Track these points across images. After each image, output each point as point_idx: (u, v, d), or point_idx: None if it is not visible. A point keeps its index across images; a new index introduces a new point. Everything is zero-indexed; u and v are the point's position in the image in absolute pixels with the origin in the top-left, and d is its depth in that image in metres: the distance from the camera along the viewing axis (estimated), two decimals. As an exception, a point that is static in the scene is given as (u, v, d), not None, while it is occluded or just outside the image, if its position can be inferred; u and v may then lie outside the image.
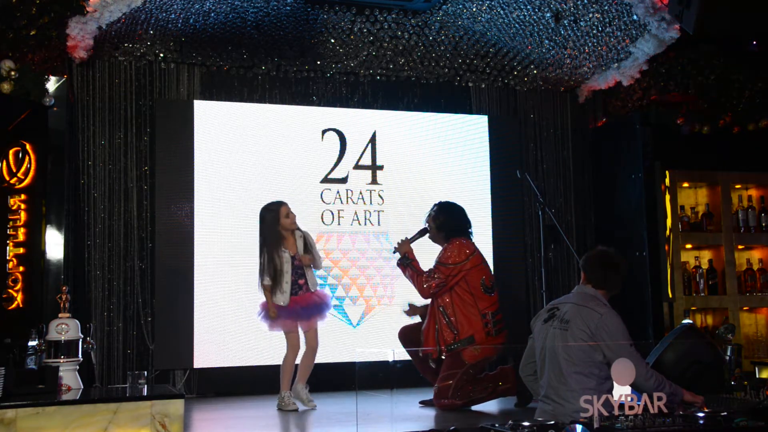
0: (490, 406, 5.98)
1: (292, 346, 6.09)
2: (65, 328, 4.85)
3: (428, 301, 6.24)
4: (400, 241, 6.32)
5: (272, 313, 6.00)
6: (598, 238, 8.19)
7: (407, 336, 6.46)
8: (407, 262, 6.21)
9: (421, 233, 6.37)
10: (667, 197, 7.67)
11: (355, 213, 7.72)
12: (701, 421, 3.73)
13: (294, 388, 6.03)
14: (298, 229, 6.23)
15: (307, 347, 6.12)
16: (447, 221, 6.27)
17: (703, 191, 8.03)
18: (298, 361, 6.10)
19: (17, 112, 6.27)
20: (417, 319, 6.50)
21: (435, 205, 6.41)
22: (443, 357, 6.01)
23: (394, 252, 6.35)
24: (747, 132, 7.81)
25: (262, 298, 6.03)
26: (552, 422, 3.69)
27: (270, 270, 6.03)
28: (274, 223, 6.12)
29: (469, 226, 6.36)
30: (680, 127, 7.71)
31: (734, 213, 7.93)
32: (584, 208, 8.40)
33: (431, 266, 6.12)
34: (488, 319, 6.00)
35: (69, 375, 4.81)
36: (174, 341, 7.04)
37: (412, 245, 6.32)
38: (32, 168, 6.33)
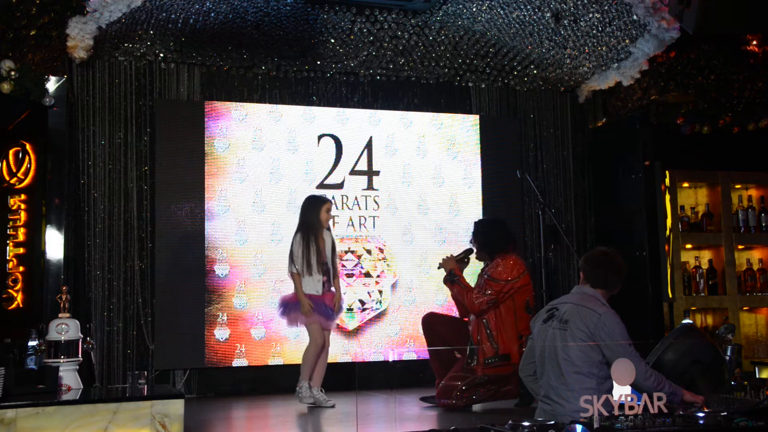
0: (491, 406, 5.98)
1: (315, 339, 6.06)
2: (65, 328, 4.84)
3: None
4: (444, 258, 6.29)
5: (306, 306, 6.01)
6: (598, 238, 8.22)
7: (431, 327, 6.40)
8: (455, 279, 6.16)
9: (467, 253, 6.36)
10: (667, 197, 7.67)
11: (350, 218, 7.72)
12: (701, 421, 3.73)
13: (310, 391, 6.05)
14: (329, 229, 6.30)
15: (325, 345, 6.15)
16: (487, 238, 6.22)
17: (703, 191, 8.03)
18: None
19: (17, 112, 6.28)
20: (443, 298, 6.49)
21: (474, 223, 6.42)
22: (474, 365, 5.96)
23: (439, 268, 6.30)
24: (747, 132, 7.81)
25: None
26: (552, 422, 3.69)
27: (303, 257, 6.07)
28: (316, 214, 6.19)
29: (513, 239, 6.33)
30: (680, 127, 7.72)
31: (734, 213, 7.93)
32: (584, 209, 8.41)
33: (482, 281, 6.07)
34: (523, 341, 5.92)
35: (69, 375, 4.81)
36: (174, 341, 7.05)
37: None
38: (32, 168, 6.34)
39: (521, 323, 5.96)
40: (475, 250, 6.32)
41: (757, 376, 5.77)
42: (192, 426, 4.49)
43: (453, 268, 6.21)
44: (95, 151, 7.02)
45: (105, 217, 7.00)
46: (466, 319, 6.26)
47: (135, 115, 7.19)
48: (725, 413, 3.82)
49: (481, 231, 6.30)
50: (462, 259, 6.34)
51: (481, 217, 7.76)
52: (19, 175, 6.30)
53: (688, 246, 7.82)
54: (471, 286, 6.10)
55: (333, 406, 5.96)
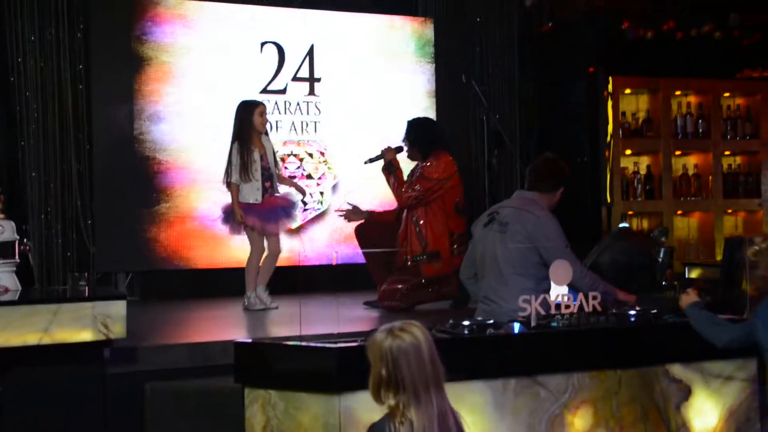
0: (431, 307, 6.11)
1: (257, 248, 6.06)
2: (1, 228, 4.77)
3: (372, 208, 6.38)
4: (386, 148, 6.35)
5: (239, 217, 5.95)
6: (541, 143, 8.27)
7: (365, 235, 6.52)
8: (393, 170, 6.25)
9: (398, 150, 6.37)
10: (609, 103, 7.77)
11: (293, 123, 7.68)
12: (632, 319, 3.89)
13: (256, 290, 6.10)
14: (266, 134, 6.22)
15: (270, 253, 6.11)
16: (421, 137, 6.26)
17: (644, 97, 8.15)
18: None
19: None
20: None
21: (408, 122, 6.43)
22: (408, 264, 6.11)
23: (377, 159, 6.38)
24: (690, 38, 7.88)
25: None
26: (491, 321, 3.80)
27: (239, 165, 5.98)
28: (248, 119, 6.06)
29: (446, 141, 6.43)
30: (625, 32, 7.74)
31: (673, 119, 8.08)
32: (528, 114, 8.43)
33: (413, 177, 6.18)
34: (454, 239, 6.09)
35: (6, 276, 4.73)
36: (116, 244, 7.00)
37: (375, 164, 6.43)
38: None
39: (452, 222, 6.11)
40: (406, 149, 6.36)
41: (687, 276, 5.96)
42: (135, 328, 4.51)
43: (392, 158, 6.29)
44: (25, 47, 6.76)
45: (39, 117, 6.80)
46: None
47: (67, 8, 6.90)
48: (655, 311, 3.98)
49: (415, 130, 6.33)
50: (396, 150, 6.39)
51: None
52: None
53: (628, 152, 7.97)
54: (404, 180, 6.22)
55: (276, 308, 6.03)
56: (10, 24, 6.71)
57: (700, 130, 8.16)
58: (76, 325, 4.13)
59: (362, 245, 6.53)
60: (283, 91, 7.64)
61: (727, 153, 8.36)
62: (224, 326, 5.69)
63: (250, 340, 4.02)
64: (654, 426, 3.76)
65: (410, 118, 6.54)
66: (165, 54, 7.26)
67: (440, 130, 6.47)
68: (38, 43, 6.82)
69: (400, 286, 6.05)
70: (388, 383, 2.58)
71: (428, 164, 6.14)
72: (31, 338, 4.02)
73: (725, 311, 4.24)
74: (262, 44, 7.60)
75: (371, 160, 6.49)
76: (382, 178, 6.40)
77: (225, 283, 7.07)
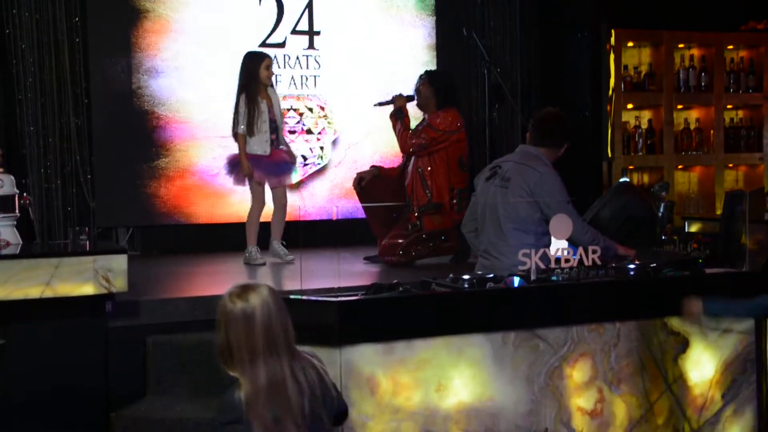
0: (431, 261, 6.15)
1: (258, 201, 6.09)
2: (0, 182, 4.78)
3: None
4: (398, 95, 6.38)
5: (246, 168, 5.96)
6: (543, 97, 8.23)
7: (365, 190, 6.53)
8: (401, 116, 6.30)
9: (409, 98, 6.40)
10: (612, 57, 7.73)
11: (292, 77, 7.65)
12: (632, 273, 3.92)
13: (270, 246, 6.13)
14: (272, 86, 6.21)
15: (277, 205, 6.13)
16: (440, 85, 6.31)
17: (647, 51, 8.11)
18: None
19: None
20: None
21: (425, 72, 6.47)
22: (416, 214, 6.15)
23: (387, 103, 6.42)
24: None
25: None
26: (491, 275, 3.82)
27: (246, 115, 5.96)
28: (255, 71, 6.03)
29: (458, 95, 6.49)
30: (628, -16, 7.69)
31: (676, 73, 8.05)
32: (530, 68, 8.38)
33: (420, 126, 6.25)
34: (455, 194, 6.12)
35: (7, 230, 4.74)
36: (116, 199, 7.02)
37: (382, 108, 6.51)
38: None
39: (454, 177, 6.15)
40: (417, 98, 6.37)
41: (687, 230, 5.99)
42: (136, 282, 4.55)
43: (402, 105, 6.32)
44: (23, 6, 6.66)
45: (35, 71, 6.73)
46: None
47: None
48: (654, 265, 4.01)
49: (438, 81, 6.35)
50: (406, 99, 6.42)
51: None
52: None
53: (630, 106, 7.95)
54: (410, 127, 6.27)
55: (292, 260, 6.03)
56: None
57: (703, 84, 8.14)
58: (77, 279, 4.13)
59: (362, 200, 6.55)
60: (282, 45, 7.60)
61: (729, 107, 8.33)
62: (225, 280, 5.68)
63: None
64: (651, 378, 3.80)
65: (430, 69, 6.62)
66: (162, 6, 7.22)
67: (454, 86, 6.50)
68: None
69: (400, 241, 6.09)
70: (224, 349, 2.56)
71: (437, 117, 6.18)
72: (33, 292, 4.01)
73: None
74: (262, -3, 7.56)
75: (381, 104, 6.54)
76: (383, 132, 6.42)
77: (225, 238, 7.09)
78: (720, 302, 3.41)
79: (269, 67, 6.11)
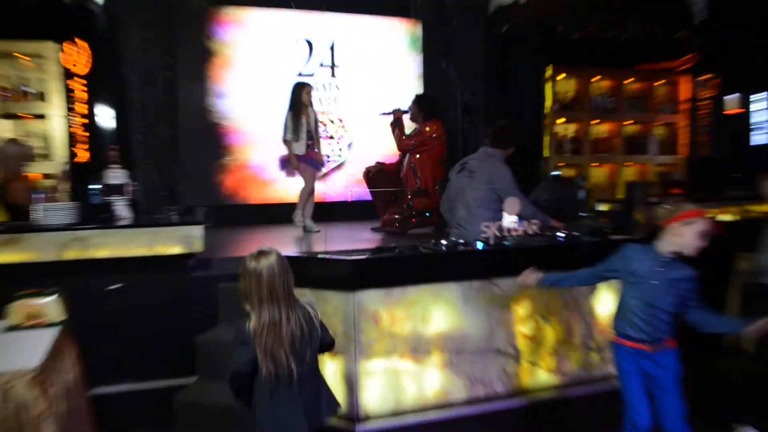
0: (419, 231, 6.15)
1: (307, 182, 6.11)
2: (116, 175, 4.80)
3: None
4: (397, 108, 6.32)
5: (294, 164, 5.98)
6: (500, 114, 8.18)
7: (372, 179, 6.53)
8: (398, 124, 6.25)
9: (403, 111, 6.34)
10: (548, 85, 7.68)
11: (320, 99, 7.62)
12: (561, 239, 3.94)
13: (296, 216, 6.17)
14: (311, 106, 6.16)
15: (307, 188, 6.21)
16: (426, 104, 6.27)
17: (572, 81, 8.05)
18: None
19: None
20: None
21: (416, 96, 6.42)
22: (409, 197, 6.12)
23: (389, 114, 6.35)
24: (604, 39, 7.78)
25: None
26: (462, 241, 3.86)
27: (292, 127, 5.99)
28: (299, 95, 6.04)
29: (439, 111, 6.42)
30: (559, 34, 7.64)
31: (592, 98, 8.01)
32: (490, 92, 8.29)
33: (413, 132, 6.22)
34: (437, 183, 6.09)
35: (122, 209, 4.80)
36: (197, 186, 7.02)
37: (385, 118, 6.42)
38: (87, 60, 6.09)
39: (436, 170, 6.09)
40: (410, 113, 6.33)
41: (598, 210, 5.97)
42: (210, 244, 4.56)
43: (399, 117, 6.28)
44: (132, 46, 6.65)
45: (141, 97, 6.72)
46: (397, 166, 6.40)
47: (160, 17, 6.82)
48: (576, 233, 4.03)
49: (424, 102, 6.32)
50: (394, 113, 6.36)
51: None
52: (81, 65, 6.02)
53: (560, 121, 7.90)
54: (405, 133, 6.23)
55: (318, 231, 6.05)
56: (125, 32, 6.60)
57: (610, 106, 8.10)
58: (169, 242, 4.18)
59: (370, 187, 6.55)
60: (312, 75, 7.58)
61: (627, 123, 8.30)
62: (273, 243, 5.72)
63: (293, 254, 4.08)
64: (572, 312, 3.83)
65: (419, 93, 6.56)
66: (227, 49, 7.20)
67: (436, 104, 6.45)
68: (142, 44, 6.72)
69: (396, 217, 6.10)
70: (242, 293, 2.60)
71: (425, 126, 6.14)
72: (139, 251, 4.11)
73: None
74: (296, 40, 7.53)
75: (384, 114, 6.45)
76: (385, 139, 6.39)
77: (273, 214, 7.10)
78: (552, 276, 3.27)
79: (309, 93, 6.09)
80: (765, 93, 9.89)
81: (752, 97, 9.47)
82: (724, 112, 8.86)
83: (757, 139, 9.80)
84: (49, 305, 3.14)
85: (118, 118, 6.55)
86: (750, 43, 8.31)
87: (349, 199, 7.50)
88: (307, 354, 2.61)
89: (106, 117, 6.31)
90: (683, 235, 2.89)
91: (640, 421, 2.93)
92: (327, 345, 2.74)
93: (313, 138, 6.11)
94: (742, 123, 9.42)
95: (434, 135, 6.11)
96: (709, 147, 8.56)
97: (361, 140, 7.77)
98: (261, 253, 2.61)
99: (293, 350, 2.56)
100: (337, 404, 2.74)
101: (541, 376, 3.74)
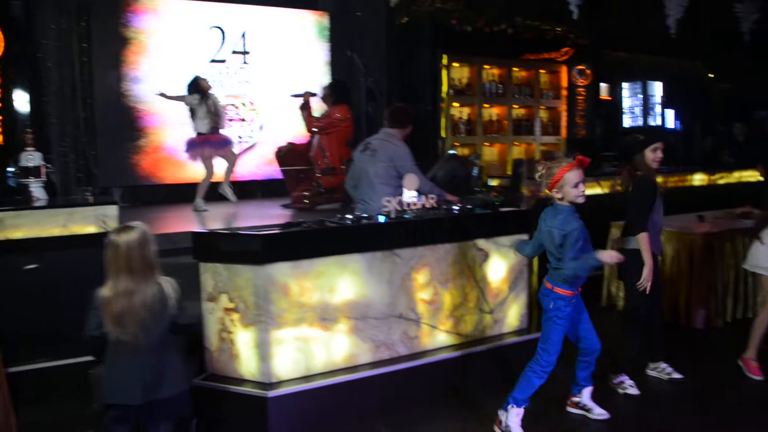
0: (327, 207, 6.09)
1: (208, 170, 6.00)
2: (31, 157, 4.50)
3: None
4: (307, 92, 6.18)
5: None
6: (401, 97, 8.19)
7: (283, 158, 6.42)
8: (306, 107, 6.11)
9: (312, 94, 6.21)
10: (444, 72, 7.74)
11: (232, 84, 7.34)
12: (455, 211, 3.99)
13: (221, 187, 6.11)
14: (212, 93, 6.08)
15: (229, 162, 6.19)
16: (338, 90, 6.22)
17: (466, 69, 8.16)
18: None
19: None
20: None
21: (330, 83, 6.34)
22: (318, 175, 6.03)
23: (299, 95, 6.19)
24: (494, 31, 7.92)
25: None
26: (365, 215, 3.83)
27: (200, 110, 5.95)
28: (201, 84, 6.01)
29: (348, 96, 6.34)
30: (453, 26, 7.70)
31: (483, 84, 8.15)
32: (392, 78, 8.27)
33: (322, 115, 6.13)
34: (343, 162, 6.00)
35: (37, 190, 4.52)
36: (111, 167, 6.65)
37: (294, 101, 6.31)
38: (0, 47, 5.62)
39: (343, 150, 6.03)
40: (320, 96, 6.27)
41: (490, 184, 6.11)
42: (124, 224, 4.33)
43: (307, 99, 6.15)
44: (48, 34, 6.15)
45: (57, 80, 6.25)
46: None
47: (77, 7, 6.32)
48: (470, 206, 4.09)
49: (336, 88, 6.28)
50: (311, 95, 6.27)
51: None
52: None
53: (455, 104, 8.01)
54: (313, 115, 6.11)
55: (236, 201, 6.00)
56: (41, 18, 6.13)
57: (499, 92, 8.27)
58: (84, 222, 4.04)
59: (281, 165, 6.43)
60: (224, 61, 7.30)
61: (515, 107, 8.50)
62: (185, 221, 5.53)
63: (205, 230, 3.93)
64: (467, 278, 3.88)
65: (331, 80, 6.50)
66: (142, 35, 6.82)
67: (347, 91, 6.36)
68: (57, 30, 6.24)
69: (306, 193, 6.00)
70: (105, 263, 2.57)
71: (334, 111, 6.05)
72: (55, 231, 3.95)
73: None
74: (209, 28, 7.20)
75: (295, 96, 6.30)
76: (295, 121, 6.26)
77: (187, 194, 6.79)
78: (521, 244, 3.36)
79: (207, 81, 6.09)
80: (629, 83, 10.45)
81: (622, 86, 9.99)
82: (600, 98, 9.28)
83: (627, 122, 10.41)
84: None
85: (33, 102, 6.10)
86: (616, 39, 8.72)
87: (260, 178, 7.32)
88: (155, 328, 2.55)
89: (21, 100, 5.89)
90: (567, 192, 3.04)
91: (554, 359, 3.10)
92: (181, 326, 2.65)
93: (215, 120, 6.03)
94: (615, 108, 9.92)
95: (341, 118, 6.04)
96: (585, 129, 8.95)
97: (273, 123, 7.57)
98: (123, 229, 2.58)
99: (141, 321, 2.51)
100: (185, 386, 2.65)
101: (440, 337, 3.78)
